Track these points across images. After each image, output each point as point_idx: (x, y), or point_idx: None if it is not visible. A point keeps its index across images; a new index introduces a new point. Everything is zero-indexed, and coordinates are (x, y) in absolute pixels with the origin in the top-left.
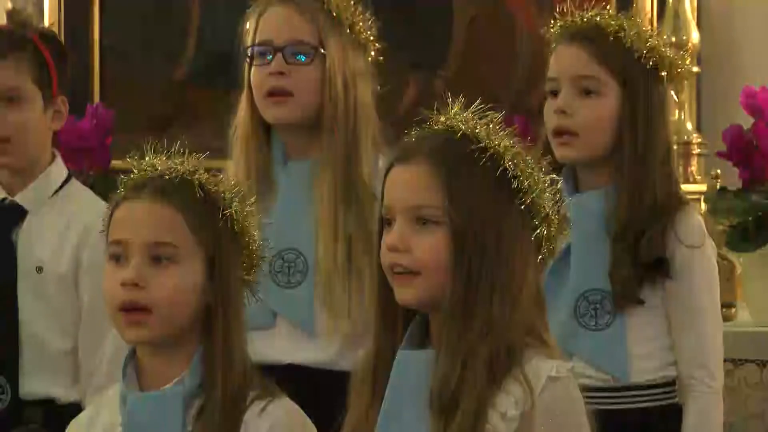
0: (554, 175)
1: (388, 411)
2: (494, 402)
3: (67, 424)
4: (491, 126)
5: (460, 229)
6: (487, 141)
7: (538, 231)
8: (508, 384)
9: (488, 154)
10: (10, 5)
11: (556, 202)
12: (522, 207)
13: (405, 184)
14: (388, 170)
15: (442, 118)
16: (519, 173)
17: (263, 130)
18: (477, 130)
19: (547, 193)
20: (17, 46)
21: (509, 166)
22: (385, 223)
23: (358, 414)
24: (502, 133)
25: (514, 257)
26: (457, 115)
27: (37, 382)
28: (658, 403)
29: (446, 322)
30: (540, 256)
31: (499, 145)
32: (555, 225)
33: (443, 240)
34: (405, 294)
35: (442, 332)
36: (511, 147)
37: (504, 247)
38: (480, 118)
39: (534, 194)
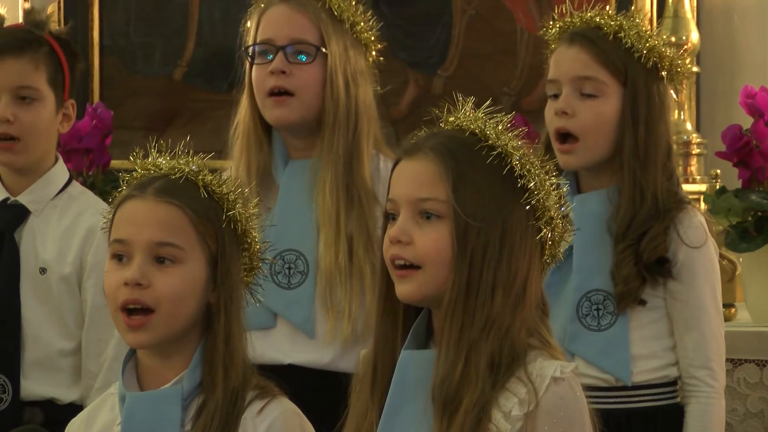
0: (560, 180)
1: (390, 410)
2: (498, 401)
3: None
4: (500, 126)
5: (464, 223)
6: (496, 140)
7: (542, 233)
8: (512, 384)
9: (496, 152)
10: (27, 5)
11: (561, 207)
12: (527, 207)
13: (410, 178)
14: (395, 165)
15: (452, 118)
16: (525, 173)
17: (264, 129)
18: (486, 129)
19: (553, 196)
20: (34, 45)
21: (516, 165)
22: (390, 218)
23: (359, 413)
24: (510, 133)
25: (517, 256)
26: (467, 114)
27: (38, 383)
28: (659, 403)
29: (447, 318)
30: (543, 259)
31: (507, 144)
32: (559, 229)
33: (447, 234)
34: (405, 288)
35: (444, 328)
36: (519, 148)
37: (507, 244)
38: (489, 119)
39: (540, 196)
